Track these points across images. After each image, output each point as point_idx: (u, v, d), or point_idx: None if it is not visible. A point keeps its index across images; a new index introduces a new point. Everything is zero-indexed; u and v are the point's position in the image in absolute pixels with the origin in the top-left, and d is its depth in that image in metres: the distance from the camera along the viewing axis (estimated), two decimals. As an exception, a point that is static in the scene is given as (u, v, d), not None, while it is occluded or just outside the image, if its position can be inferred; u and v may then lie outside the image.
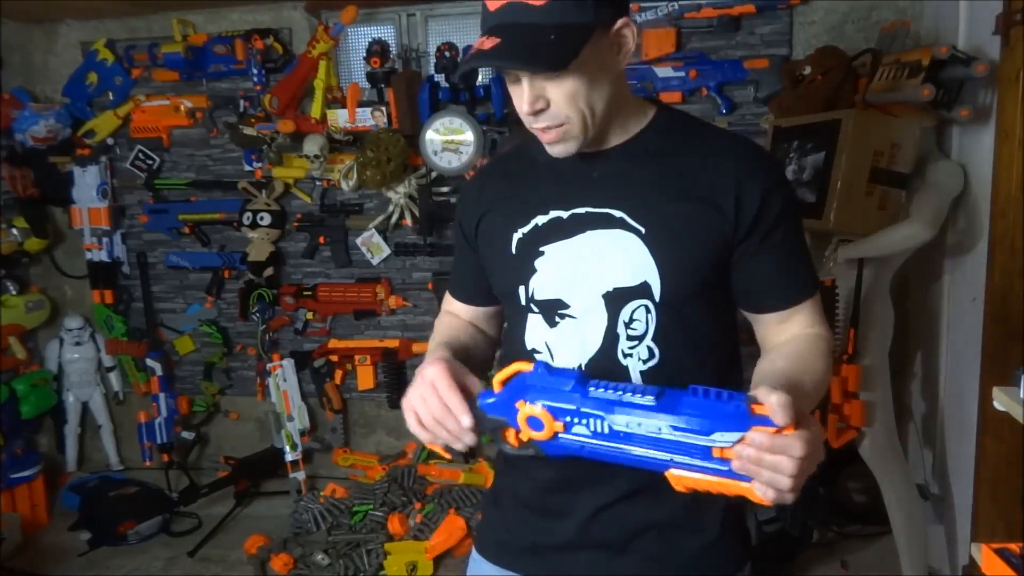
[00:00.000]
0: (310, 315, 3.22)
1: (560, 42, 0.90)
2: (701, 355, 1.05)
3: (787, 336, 1.06)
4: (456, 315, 1.25)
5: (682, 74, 2.74)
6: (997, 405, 1.30)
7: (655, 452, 0.83)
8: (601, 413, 0.85)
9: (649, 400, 0.83)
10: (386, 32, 3.08)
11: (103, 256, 3.33)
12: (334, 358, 3.21)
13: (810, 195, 2.24)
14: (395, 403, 3.20)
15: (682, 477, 0.83)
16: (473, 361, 1.12)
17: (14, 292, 3.28)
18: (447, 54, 2.81)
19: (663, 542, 1.07)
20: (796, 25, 2.72)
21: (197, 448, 3.46)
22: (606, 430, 0.86)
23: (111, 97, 3.26)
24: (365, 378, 3.20)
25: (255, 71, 3.03)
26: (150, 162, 3.28)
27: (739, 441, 0.78)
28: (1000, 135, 1.88)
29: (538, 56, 0.91)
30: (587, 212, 1.03)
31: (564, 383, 0.88)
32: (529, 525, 1.14)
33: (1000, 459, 1.87)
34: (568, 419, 0.88)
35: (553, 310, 1.04)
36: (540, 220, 1.06)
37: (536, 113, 0.96)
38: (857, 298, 2.25)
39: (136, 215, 3.36)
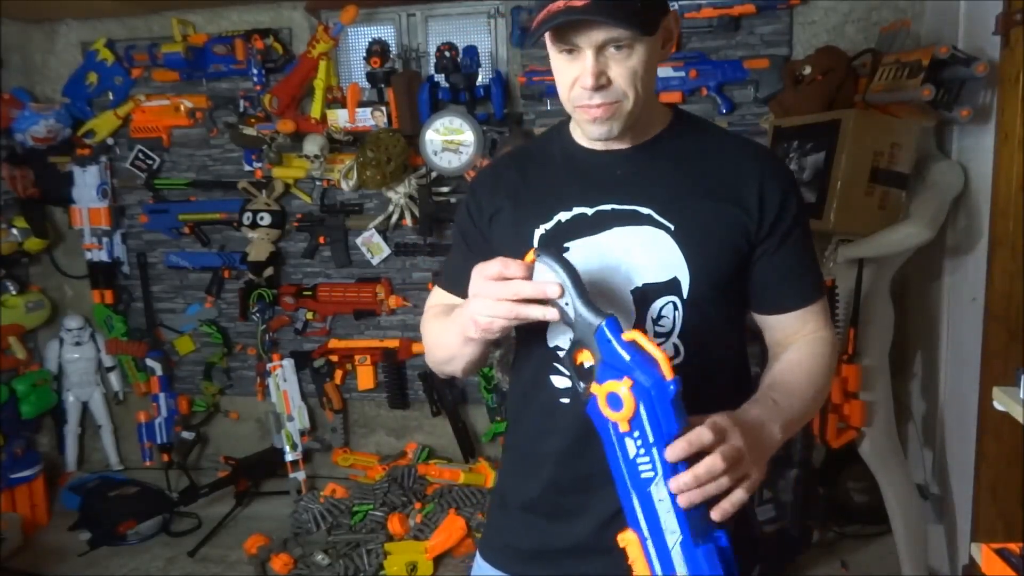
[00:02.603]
0: (310, 315, 3.22)
1: (646, 10, 0.93)
2: (721, 352, 1.07)
3: (796, 339, 1.08)
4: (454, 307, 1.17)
5: (682, 74, 2.74)
6: (997, 405, 1.30)
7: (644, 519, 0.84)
8: (655, 472, 0.82)
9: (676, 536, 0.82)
10: (386, 32, 3.08)
11: (103, 256, 3.33)
12: (334, 358, 3.21)
13: (810, 195, 2.24)
14: (395, 403, 3.21)
15: (632, 544, 0.85)
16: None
17: (14, 292, 3.28)
18: (447, 54, 2.81)
19: None
20: (796, 25, 2.72)
21: (197, 448, 3.46)
22: (640, 472, 0.83)
23: (111, 97, 3.26)
24: (365, 378, 3.19)
25: (255, 71, 3.03)
26: (150, 162, 3.28)
27: None
28: (1000, 135, 1.88)
29: (630, 18, 0.90)
30: (613, 209, 1.02)
31: (670, 425, 0.81)
32: (538, 528, 1.11)
33: (1000, 459, 1.87)
34: (637, 434, 0.82)
35: None
36: (563, 216, 1.04)
37: (599, 88, 0.95)
38: (857, 298, 2.25)
39: (136, 215, 3.36)
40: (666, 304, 1.02)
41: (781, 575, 2.49)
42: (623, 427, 0.82)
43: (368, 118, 2.93)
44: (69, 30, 3.33)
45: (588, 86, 0.95)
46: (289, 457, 3.20)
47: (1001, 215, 1.87)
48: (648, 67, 0.97)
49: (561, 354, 1.04)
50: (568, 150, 1.09)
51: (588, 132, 1.03)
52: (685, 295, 1.01)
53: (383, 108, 2.91)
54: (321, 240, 3.16)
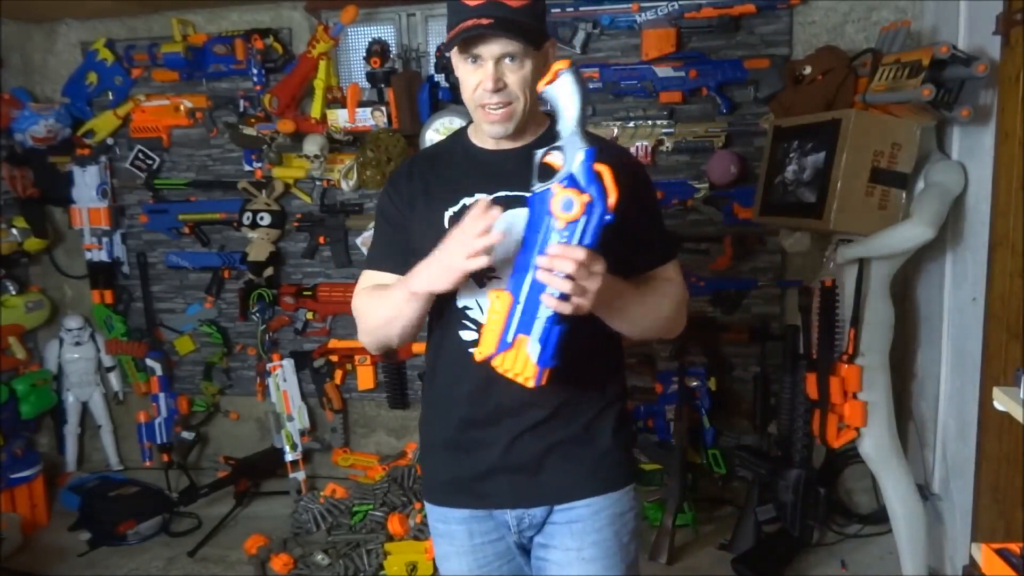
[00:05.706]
0: (310, 315, 3.22)
1: (536, 30, 1.23)
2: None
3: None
4: (386, 285, 1.38)
5: (682, 74, 2.74)
6: (997, 405, 1.30)
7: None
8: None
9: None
10: (386, 32, 3.08)
11: (103, 256, 3.33)
12: (334, 358, 3.21)
13: (810, 195, 2.24)
14: (395, 403, 3.21)
15: (502, 299, 1.10)
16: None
17: (14, 292, 3.28)
18: (447, 54, 2.80)
19: (567, 457, 1.33)
20: (796, 25, 2.72)
21: (197, 448, 3.46)
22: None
23: (111, 97, 3.26)
24: (365, 378, 3.20)
25: (255, 71, 3.03)
26: (150, 162, 3.28)
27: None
28: (1000, 135, 1.88)
29: (522, 35, 1.20)
30: (505, 195, 1.26)
31: (589, 241, 1.07)
32: (455, 462, 1.36)
33: (1000, 459, 1.87)
34: (566, 234, 1.07)
35: (482, 275, 1.27)
36: (467, 201, 1.29)
37: (498, 90, 1.22)
38: (857, 298, 2.25)
39: (136, 215, 3.36)
40: None
41: (781, 575, 2.50)
42: (559, 224, 1.07)
43: (368, 118, 2.93)
44: (69, 30, 3.33)
45: (489, 88, 1.22)
46: (289, 457, 3.20)
47: (1001, 215, 1.87)
48: (534, 79, 1.22)
49: (469, 312, 1.29)
50: (469, 150, 1.36)
51: (488, 131, 1.29)
52: None
53: (383, 108, 2.91)
54: (321, 240, 3.15)
